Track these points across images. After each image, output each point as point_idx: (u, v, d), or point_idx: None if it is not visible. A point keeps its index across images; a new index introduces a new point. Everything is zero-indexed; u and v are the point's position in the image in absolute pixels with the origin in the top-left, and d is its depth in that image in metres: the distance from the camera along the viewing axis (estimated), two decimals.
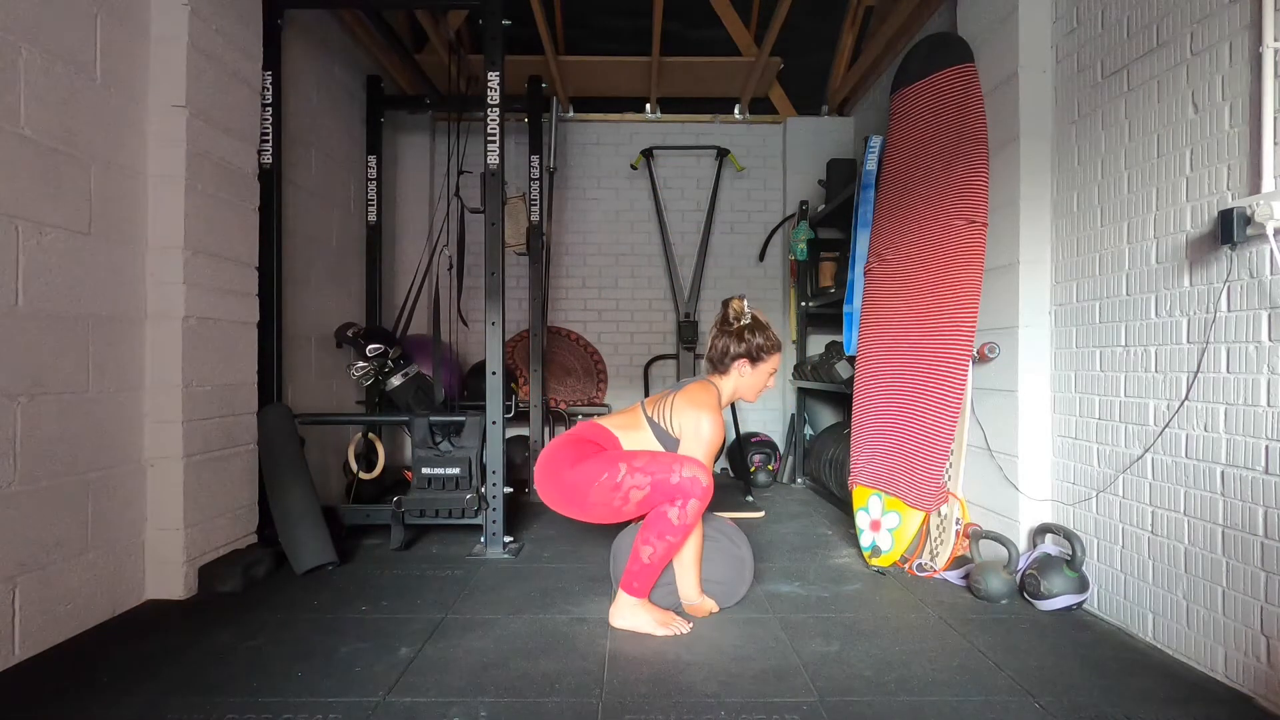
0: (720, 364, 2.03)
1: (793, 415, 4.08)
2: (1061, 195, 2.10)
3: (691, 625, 1.84)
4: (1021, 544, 2.12)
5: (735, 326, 2.01)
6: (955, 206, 2.29)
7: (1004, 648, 1.69)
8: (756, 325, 2.02)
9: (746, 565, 2.01)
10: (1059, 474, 2.09)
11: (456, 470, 2.57)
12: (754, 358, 2.01)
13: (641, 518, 1.89)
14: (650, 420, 1.96)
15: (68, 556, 1.74)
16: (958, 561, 2.26)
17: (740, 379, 2.02)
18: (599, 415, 3.83)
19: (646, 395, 4.15)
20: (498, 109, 2.51)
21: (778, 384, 4.34)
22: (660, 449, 1.93)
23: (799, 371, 3.97)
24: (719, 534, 2.00)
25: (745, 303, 2.03)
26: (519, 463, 3.82)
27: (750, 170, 4.38)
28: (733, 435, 4.02)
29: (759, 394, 2.09)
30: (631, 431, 1.97)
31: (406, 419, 2.69)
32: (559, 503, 1.92)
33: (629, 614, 1.82)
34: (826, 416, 3.97)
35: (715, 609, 1.92)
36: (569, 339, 4.29)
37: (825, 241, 3.80)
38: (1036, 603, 1.95)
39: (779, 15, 3.30)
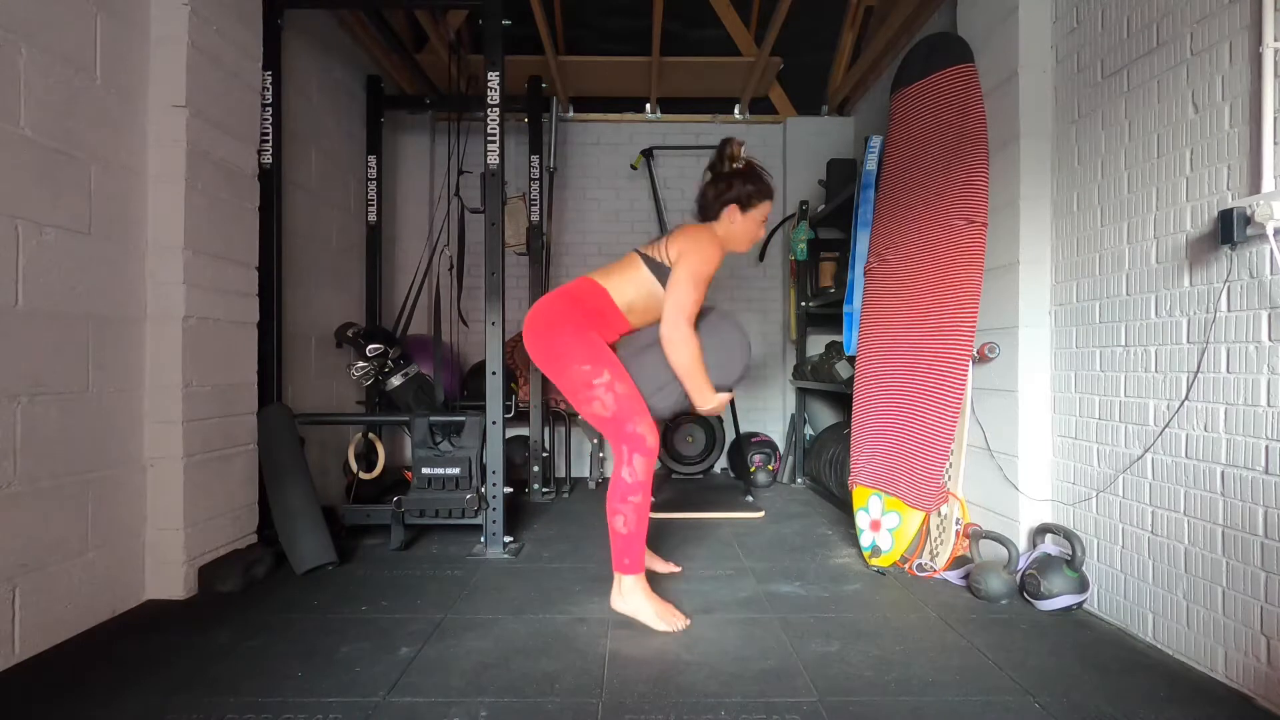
0: (710, 210, 2.02)
1: (793, 415, 4.08)
2: (1061, 195, 2.10)
3: (689, 621, 1.85)
4: (1021, 544, 2.12)
5: (727, 169, 1.99)
6: (955, 206, 2.29)
7: (1004, 648, 1.69)
8: (750, 171, 2.00)
9: (740, 346, 2.01)
10: (1059, 474, 2.09)
11: (456, 470, 2.57)
12: (744, 203, 1.99)
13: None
14: (645, 257, 1.95)
15: (68, 556, 1.74)
16: (958, 561, 2.26)
17: (731, 225, 2.01)
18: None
19: None
20: (498, 109, 2.51)
21: (778, 384, 4.35)
22: (654, 285, 1.92)
23: (799, 371, 3.96)
24: (719, 319, 2.02)
25: (743, 148, 2.01)
26: (519, 463, 3.82)
27: None
28: (733, 435, 4.02)
29: (751, 243, 2.06)
30: (625, 279, 1.94)
31: (406, 419, 2.69)
32: (542, 356, 1.92)
33: (629, 597, 1.85)
34: (826, 416, 3.97)
35: (731, 396, 1.98)
36: None
37: (825, 241, 3.80)
38: (1036, 603, 1.95)
39: (779, 15, 3.29)
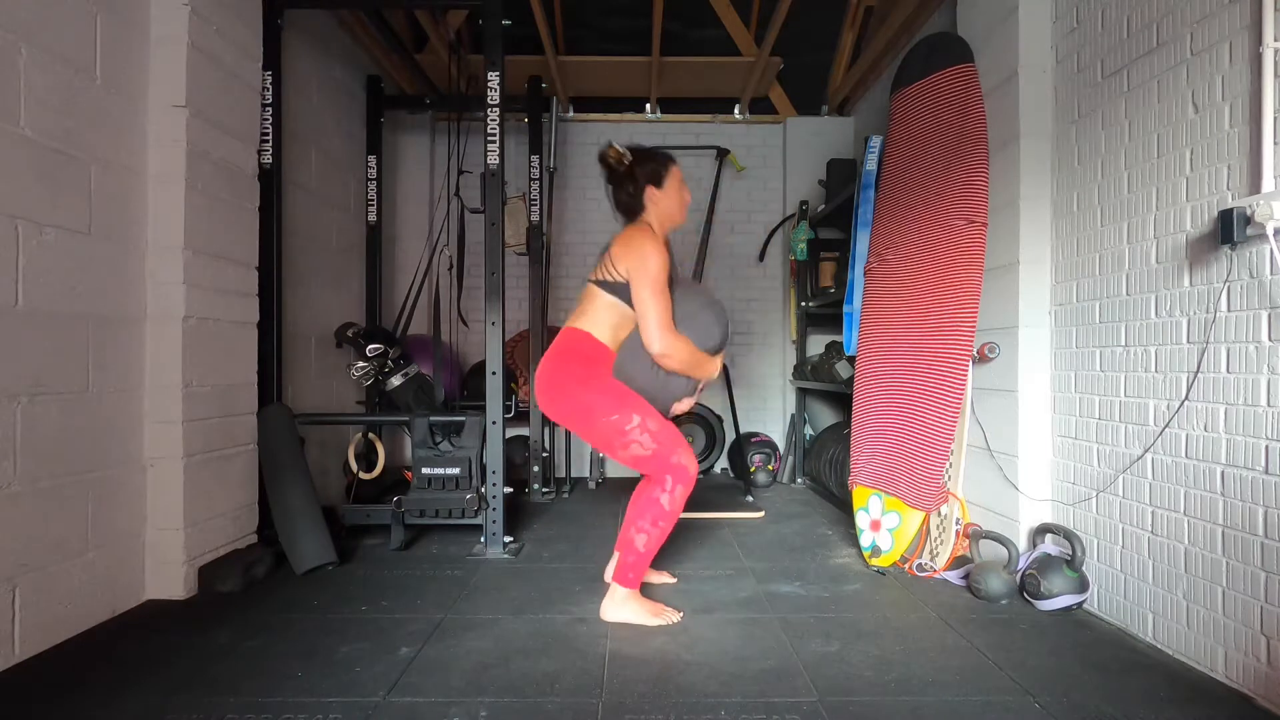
0: (633, 207, 2.03)
1: (793, 415, 4.08)
2: (1061, 195, 2.10)
3: (682, 615, 1.87)
4: (1021, 544, 2.12)
5: (624, 169, 2.02)
6: (955, 206, 2.29)
7: (1004, 648, 1.69)
8: (639, 154, 2.03)
9: (715, 314, 2.02)
10: (1059, 474, 2.09)
11: (456, 470, 2.57)
12: (656, 180, 2.01)
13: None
14: (599, 283, 1.94)
15: (68, 556, 1.74)
16: (958, 561, 2.26)
17: (657, 206, 2.02)
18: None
19: None
20: (498, 109, 2.51)
21: (778, 384, 4.35)
22: (620, 304, 1.91)
23: (799, 371, 3.97)
24: (686, 295, 2.02)
25: (617, 144, 2.03)
26: (519, 463, 3.82)
27: (750, 170, 4.37)
28: (732, 435, 4.02)
29: (683, 209, 2.08)
30: (595, 312, 1.94)
31: (406, 419, 2.69)
32: (562, 416, 1.93)
33: (622, 607, 1.85)
34: (826, 416, 3.97)
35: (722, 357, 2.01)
36: None
37: (825, 241, 3.80)
38: (1036, 603, 1.95)
39: (779, 15, 3.30)
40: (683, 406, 2.01)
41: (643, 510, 1.86)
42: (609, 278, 1.92)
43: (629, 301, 1.89)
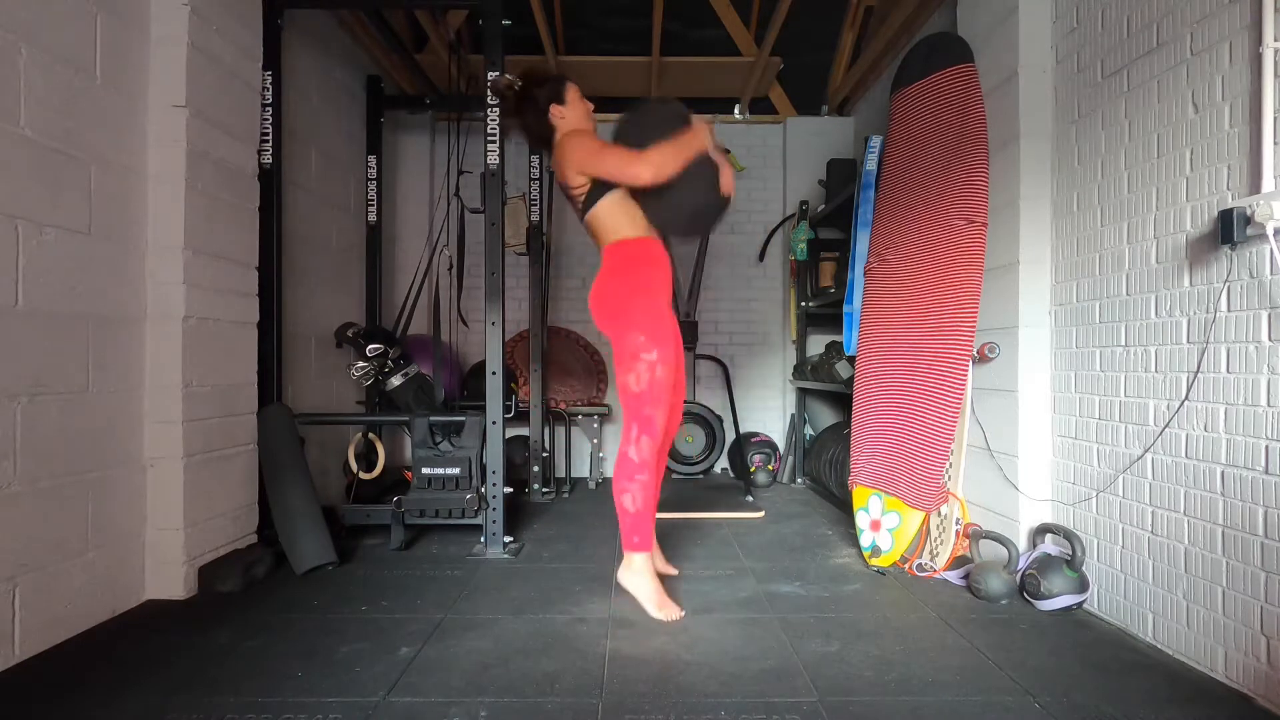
0: (544, 132, 2.04)
1: (793, 415, 4.08)
2: (1061, 195, 2.10)
3: (683, 613, 1.88)
4: (1021, 544, 2.12)
5: (515, 97, 2.04)
6: (955, 206, 2.29)
7: (1004, 648, 1.69)
8: (529, 78, 2.05)
9: (660, 106, 2.02)
10: (1059, 474, 2.09)
11: (456, 470, 2.57)
12: (557, 98, 2.03)
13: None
14: (581, 210, 1.99)
15: (68, 556, 1.74)
16: (958, 561, 2.26)
17: (565, 122, 2.03)
18: (599, 414, 3.82)
19: None
20: (498, 109, 2.51)
21: (778, 384, 4.35)
22: (605, 198, 1.94)
23: (799, 371, 3.97)
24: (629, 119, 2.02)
25: (503, 75, 2.06)
26: (519, 463, 3.81)
27: (750, 170, 4.37)
28: (732, 435, 4.02)
29: (592, 119, 2.09)
30: (601, 222, 1.97)
31: (406, 419, 2.69)
32: (607, 321, 2.00)
33: (638, 574, 1.93)
34: (826, 416, 3.97)
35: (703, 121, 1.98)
36: (569, 339, 4.29)
37: (825, 241, 3.80)
38: (1036, 603, 1.95)
39: (779, 15, 3.30)
40: (728, 179, 1.97)
41: (618, 471, 1.94)
42: (578, 195, 1.97)
43: (607, 189, 1.93)
